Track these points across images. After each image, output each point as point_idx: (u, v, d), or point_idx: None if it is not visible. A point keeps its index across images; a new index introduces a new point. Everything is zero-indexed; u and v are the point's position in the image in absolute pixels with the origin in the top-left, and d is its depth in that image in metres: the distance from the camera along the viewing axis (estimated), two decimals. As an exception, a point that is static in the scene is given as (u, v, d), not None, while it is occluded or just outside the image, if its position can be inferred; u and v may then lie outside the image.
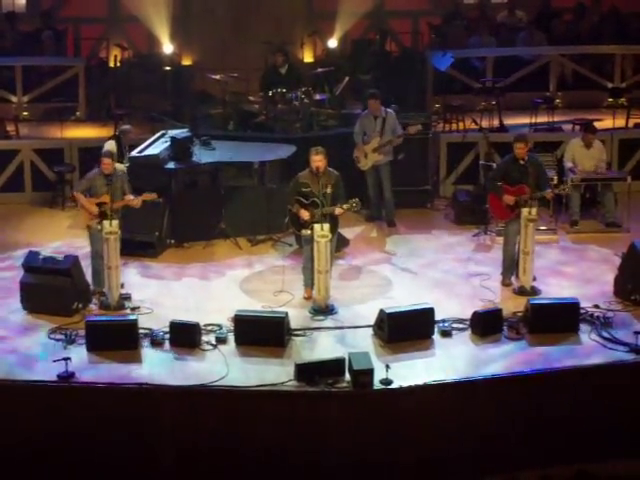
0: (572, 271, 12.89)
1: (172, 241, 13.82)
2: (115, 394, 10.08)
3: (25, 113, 17.68)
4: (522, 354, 10.74)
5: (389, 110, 14.45)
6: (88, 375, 10.26)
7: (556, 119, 16.99)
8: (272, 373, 10.26)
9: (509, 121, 16.99)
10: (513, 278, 12.36)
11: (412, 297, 11.74)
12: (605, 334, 11.02)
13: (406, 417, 10.06)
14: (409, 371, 10.33)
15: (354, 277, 12.89)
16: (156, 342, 10.89)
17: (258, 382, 10.09)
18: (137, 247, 13.27)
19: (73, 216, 14.69)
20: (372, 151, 14.32)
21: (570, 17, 19.79)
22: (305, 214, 11.68)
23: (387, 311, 10.94)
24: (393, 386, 10.01)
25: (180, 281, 12.77)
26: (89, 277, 11.99)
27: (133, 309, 11.69)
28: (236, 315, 10.99)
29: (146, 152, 14.33)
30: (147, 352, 10.78)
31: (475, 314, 11.21)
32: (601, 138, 15.10)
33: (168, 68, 18.20)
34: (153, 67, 18.24)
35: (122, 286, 11.98)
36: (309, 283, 11.94)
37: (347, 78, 17.06)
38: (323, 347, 10.89)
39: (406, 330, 10.90)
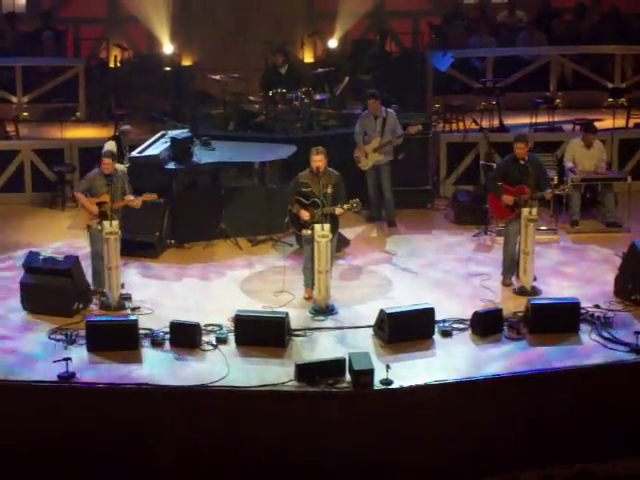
0: (572, 271, 12.89)
1: (172, 241, 13.82)
2: (115, 394, 10.08)
3: (25, 113, 17.68)
4: (522, 354, 10.74)
5: (389, 110, 14.45)
6: (88, 375, 10.26)
7: (556, 119, 16.99)
8: (272, 373, 10.26)
9: (509, 121, 17.00)
10: (513, 278, 12.35)
11: (412, 297, 11.74)
12: (605, 334, 11.02)
13: (406, 417, 10.06)
14: (409, 371, 10.33)
15: (354, 277, 12.89)
16: (156, 342, 10.89)
17: (258, 382, 10.09)
18: (137, 247, 13.27)
19: (73, 216, 14.69)
20: (372, 151, 14.33)
21: (570, 17, 19.79)
22: (305, 214, 11.68)
23: (387, 311, 10.93)
24: (393, 386, 10.01)
25: (180, 281, 12.77)
26: (89, 277, 11.99)
27: (133, 309, 11.69)
28: (236, 315, 10.99)
29: (146, 152, 14.33)
30: (147, 352, 10.77)
31: (475, 314, 11.21)
32: (601, 138, 15.10)
33: (168, 68, 18.21)
34: (153, 67, 18.25)
35: (122, 286, 11.98)
36: (309, 283, 11.94)
37: (347, 78, 17.07)
38: (323, 347, 10.89)
39: (406, 330, 10.90)
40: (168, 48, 18.57)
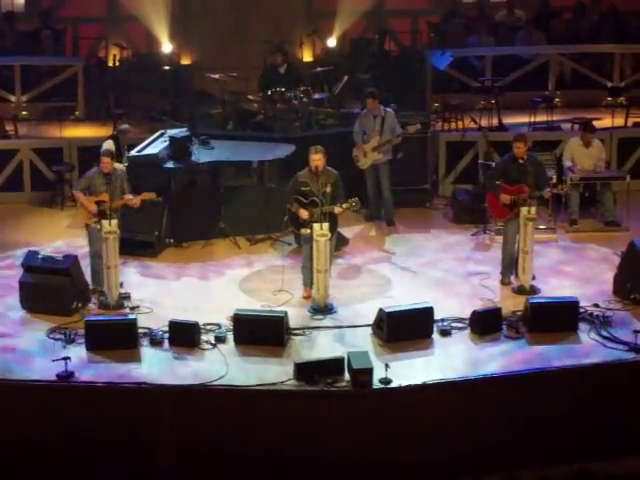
0: (571, 270, 12.89)
1: (171, 240, 13.82)
2: (114, 393, 10.08)
3: (24, 112, 17.67)
4: (521, 353, 10.74)
5: (388, 109, 14.45)
6: (87, 374, 10.26)
7: (555, 118, 16.98)
8: (271, 372, 10.26)
9: (508, 120, 16.98)
10: (512, 277, 12.36)
11: (411, 296, 11.74)
12: (604, 333, 11.02)
13: (405, 416, 10.06)
14: (408, 370, 10.33)
15: (353, 276, 12.89)
16: (155, 341, 10.89)
17: (257, 381, 10.09)
18: (136, 246, 13.27)
19: (72, 215, 14.67)
20: (371, 150, 14.33)
21: (569, 16, 19.77)
22: (304, 213, 11.68)
23: (386, 310, 10.93)
24: (392, 385, 10.01)
25: (179, 280, 12.77)
26: (88, 277, 11.99)
27: (132, 308, 11.68)
28: (235, 314, 10.98)
29: (145, 151, 14.33)
30: (146, 351, 10.77)
31: (474, 313, 11.21)
32: (600, 137, 15.09)
33: (167, 67, 18.19)
34: (152, 66, 18.24)
35: (121, 285, 11.98)
36: (308, 282, 11.93)
37: (346, 77, 17.05)
38: (322, 346, 10.89)
39: (405, 329, 10.90)
40: (167, 47, 18.55)
